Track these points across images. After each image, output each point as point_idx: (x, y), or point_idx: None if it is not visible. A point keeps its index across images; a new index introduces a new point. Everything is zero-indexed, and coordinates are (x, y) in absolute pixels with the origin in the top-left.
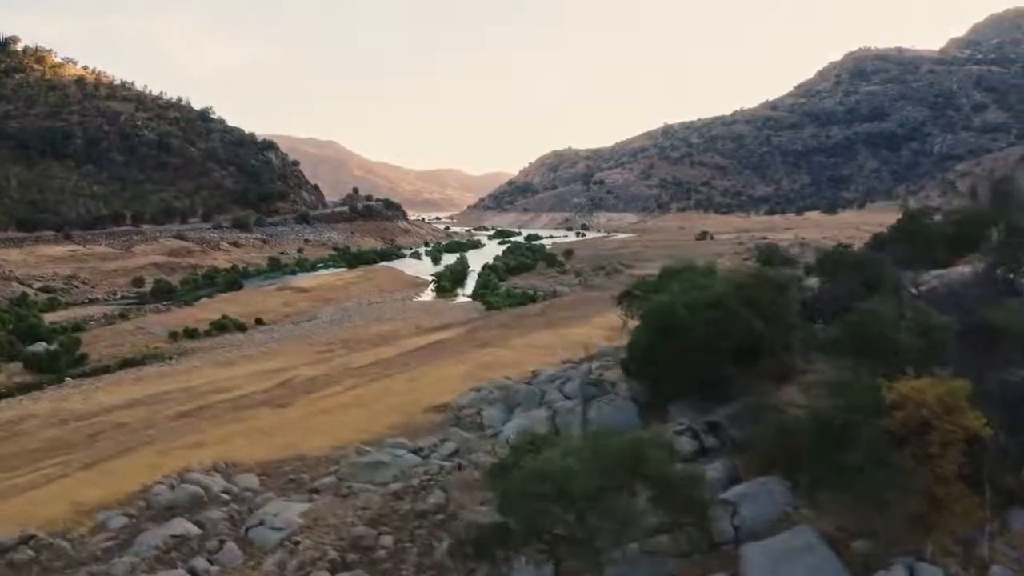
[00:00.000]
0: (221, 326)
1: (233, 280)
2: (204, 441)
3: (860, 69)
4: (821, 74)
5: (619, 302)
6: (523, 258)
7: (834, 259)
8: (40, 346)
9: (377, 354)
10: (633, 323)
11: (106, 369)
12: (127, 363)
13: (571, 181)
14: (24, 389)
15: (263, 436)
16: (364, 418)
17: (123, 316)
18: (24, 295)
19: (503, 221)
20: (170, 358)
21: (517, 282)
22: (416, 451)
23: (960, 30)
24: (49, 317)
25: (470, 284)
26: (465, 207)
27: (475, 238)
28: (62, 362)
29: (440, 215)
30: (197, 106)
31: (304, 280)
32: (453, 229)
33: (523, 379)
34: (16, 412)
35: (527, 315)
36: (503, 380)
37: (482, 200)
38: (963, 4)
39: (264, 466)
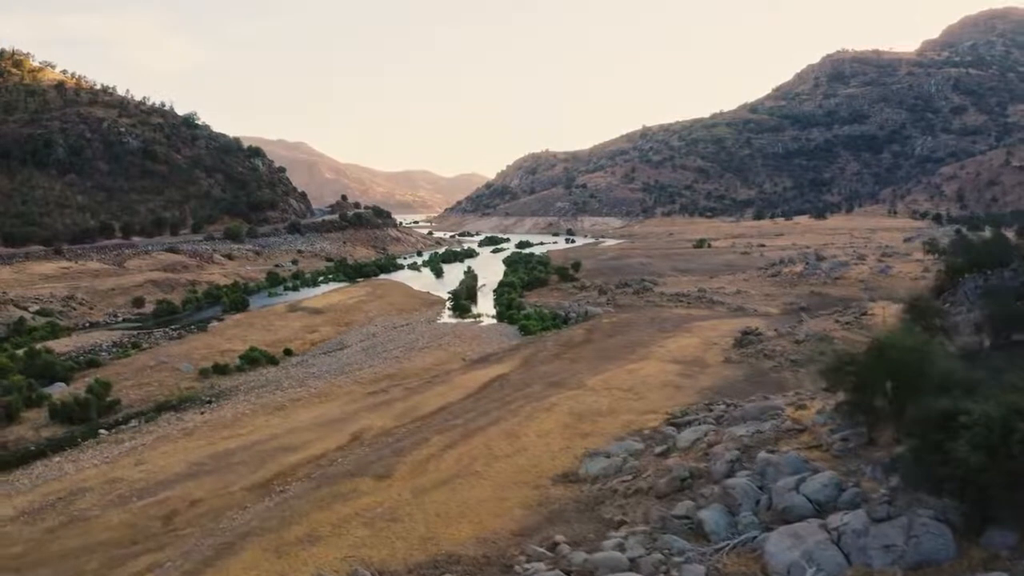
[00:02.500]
0: (251, 359)
1: (239, 299)
2: (317, 532)
3: (838, 72)
4: (799, 76)
5: (823, 376)
6: (536, 272)
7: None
8: (62, 389)
9: (439, 396)
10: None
11: (140, 416)
12: (161, 407)
13: (550, 184)
14: (57, 446)
15: (386, 524)
16: (491, 494)
17: (136, 345)
18: (22, 320)
19: (485, 226)
20: (208, 401)
21: (536, 299)
22: (633, 567)
23: (933, 32)
24: (53, 346)
25: (481, 299)
26: (441, 210)
27: (466, 246)
28: (93, 410)
29: (416, 218)
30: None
31: (313, 299)
32: (437, 235)
33: (650, 438)
34: (63, 483)
35: (574, 343)
36: (630, 442)
37: (459, 203)
38: (934, 6)
39: (416, 574)
